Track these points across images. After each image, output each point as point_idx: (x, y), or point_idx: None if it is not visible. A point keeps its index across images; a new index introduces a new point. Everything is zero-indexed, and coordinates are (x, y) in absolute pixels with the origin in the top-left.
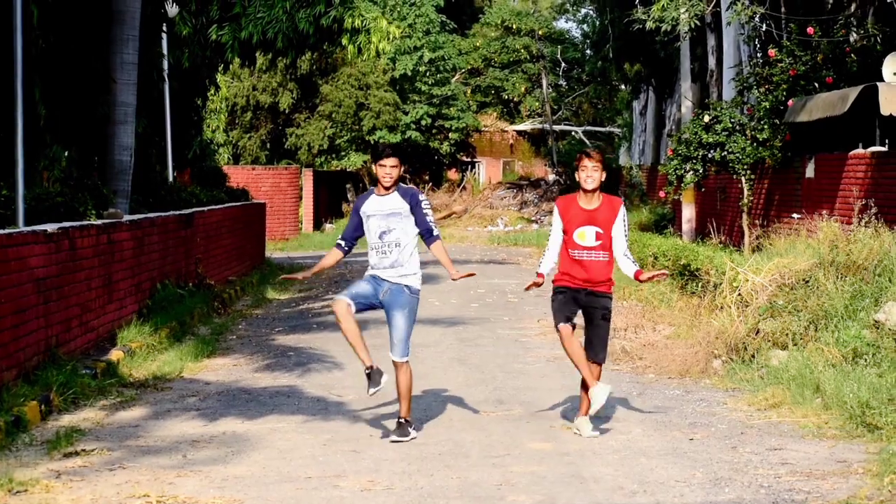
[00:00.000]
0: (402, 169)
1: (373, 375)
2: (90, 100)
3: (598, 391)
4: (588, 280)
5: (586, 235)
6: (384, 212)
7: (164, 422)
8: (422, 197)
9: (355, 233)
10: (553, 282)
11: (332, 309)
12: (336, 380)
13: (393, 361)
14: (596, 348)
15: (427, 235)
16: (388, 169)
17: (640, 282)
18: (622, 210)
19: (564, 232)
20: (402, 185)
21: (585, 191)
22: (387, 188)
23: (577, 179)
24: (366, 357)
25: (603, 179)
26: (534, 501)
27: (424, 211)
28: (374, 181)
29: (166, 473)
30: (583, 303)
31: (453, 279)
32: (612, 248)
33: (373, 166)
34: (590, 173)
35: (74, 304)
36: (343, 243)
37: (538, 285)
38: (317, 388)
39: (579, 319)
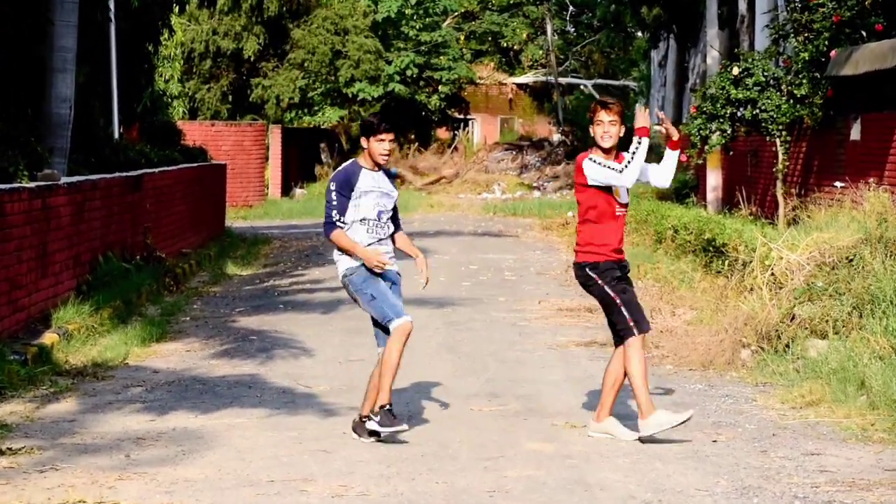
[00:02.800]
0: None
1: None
2: (23, 44)
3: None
4: (619, 248)
5: (621, 192)
6: (382, 190)
7: (104, 416)
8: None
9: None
10: (591, 258)
11: (406, 331)
12: (304, 368)
13: (399, 327)
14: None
15: (395, 223)
16: (386, 144)
17: (678, 149)
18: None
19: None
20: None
21: (602, 149)
22: (381, 167)
23: (592, 134)
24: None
25: (622, 135)
26: None
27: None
28: (354, 141)
29: (106, 476)
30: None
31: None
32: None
33: (364, 139)
34: (607, 128)
35: (2, 279)
36: (340, 222)
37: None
38: (282, 377)
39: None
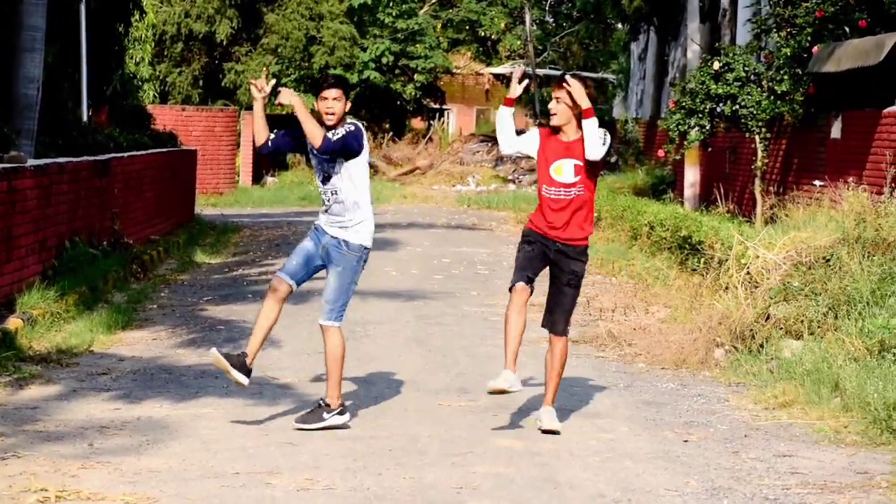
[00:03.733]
0: (347, 104)
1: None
2: None
3: (543, 414)
4: (562, 228)
5: (563, 170)
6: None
7: (68, 403)
8: (350, 126)
9: (282, 140)
10: (527, 226)
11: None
12: (272, 359)
13: (319, 325)
14: (555, 316)
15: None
16: (329, 102)
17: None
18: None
19: (539, 165)
20: (346, 123)
21: (552, 126)
22: (330, 127)
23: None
24: (253, 347)
25: (576, 113)
26: None
27: (341, 132)
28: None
29: (68, 464)
30: (552, 258)
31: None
32: (591, 186)
33: (314, 102)
34: (553, 107)
35: None
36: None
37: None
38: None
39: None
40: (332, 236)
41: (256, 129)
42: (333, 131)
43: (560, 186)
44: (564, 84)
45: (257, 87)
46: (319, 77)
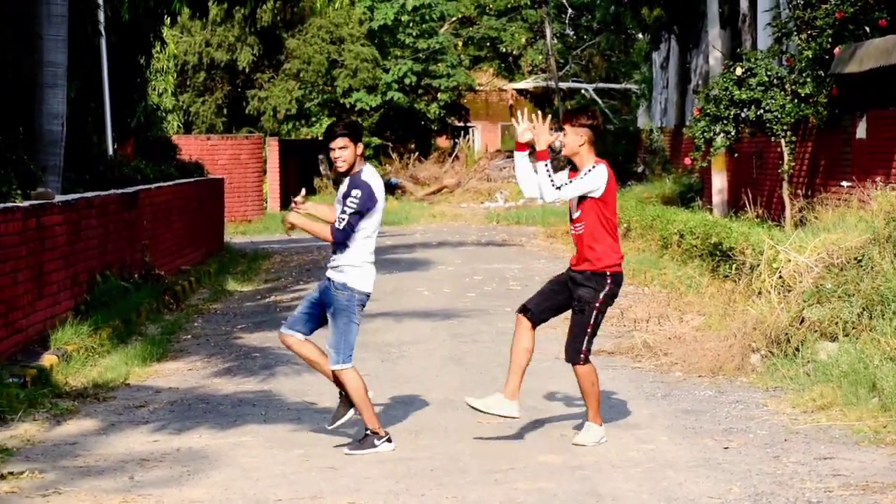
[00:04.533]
0: (359, 146)
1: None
2: (12, 59)
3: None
4: (576, 257)
5: (573, 204)
6: (338, 197)
7: (106, 437)
8: (357, 192)
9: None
10: (612, 269)
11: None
12: (309, 385)
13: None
14: (565, 344)
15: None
16: (336, 152)
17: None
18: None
19: (608, 195)
20: (363, 169)
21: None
22: (344, 175)
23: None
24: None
25: (581, 145)
26: None
27: (346, 208)
28: None
29: (110, 498)
30: (569, 287)
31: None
32: (594, 219)
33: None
34: (563, 139)
35: None
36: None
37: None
38: (287, 394)
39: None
40: (326, 277)
41: (322, 233)
42: (342, 203)
43: (574, 222)
44: (546, 121)
45: (297, 204)
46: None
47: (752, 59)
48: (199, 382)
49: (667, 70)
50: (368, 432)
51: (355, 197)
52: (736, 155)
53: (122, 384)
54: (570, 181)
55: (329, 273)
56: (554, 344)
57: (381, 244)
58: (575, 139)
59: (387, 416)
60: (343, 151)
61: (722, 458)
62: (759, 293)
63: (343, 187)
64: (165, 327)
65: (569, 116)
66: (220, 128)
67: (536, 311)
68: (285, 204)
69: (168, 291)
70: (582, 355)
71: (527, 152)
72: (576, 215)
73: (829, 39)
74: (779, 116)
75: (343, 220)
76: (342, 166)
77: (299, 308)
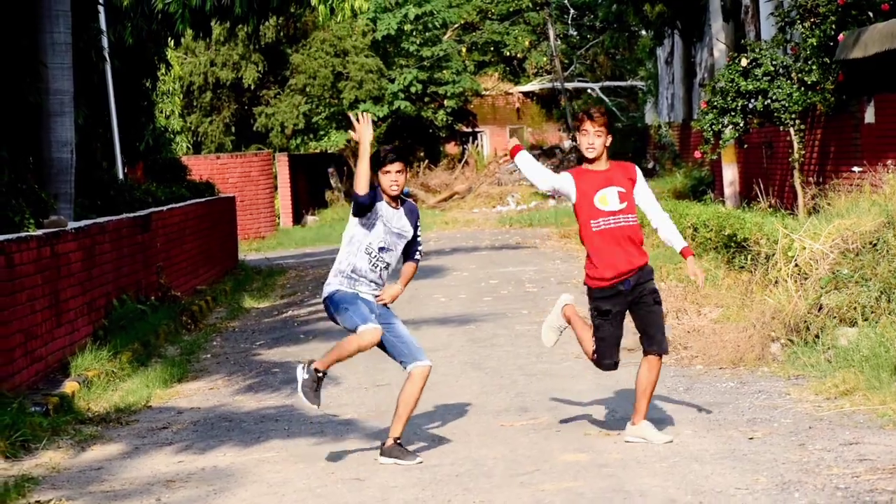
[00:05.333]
0: (408, 174)
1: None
2: (18, 89)
3: (653, 433)
4: (629, 260)
5: (608, 198)
6: (393, 227)
7: (131, 461)
8: (419, 220)
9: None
10: (588, 282)
11: (368, 339)
12: (331, 397)
13: (422, 370)
14: (657, 337)
15: (410, 259)
16: (393, 175)
17: (684, 258)
18: (638, 171)
19: (579, 202)
20: (405, 197)
21: (587, 160)
22: (394, 199)
23: (578, 144)
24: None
25: (608, 144)
26: None
27: (419, 237)
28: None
29: None
30: (629, 301)
31: (382, 300)
32: (635, 212)
33: (376, 175)
34: (591, 140)
35: (16, 331)
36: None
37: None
38: (309, 408)
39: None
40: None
41: (362, 173)
42: (418, 248)
43: (608, 215)
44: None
45: (357, 122)
46: (378, 151)
47: (757, 50)
48: (220, 401)
49: (672, 65)
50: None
51: (420, 225)
52: (745, 146)
53: (144, 407)
54: (645, 191)
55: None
56: (575, 345)
57: None
58: (606, 138)
59: (410, 423)
60: (400, 176)
61: (747, 448)
62: (776, 282)
63: (402, 219)
64: (185, 348)
65: (601, 114)
66: (229, 146)
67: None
68: (298, 218)
69: (185, 312)
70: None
71: (522, 150)
72: (621, 206)
73: (833, 26)
74: (786, 105)
75: (421, 251)
76: (396, 191)
77: (367, 311)
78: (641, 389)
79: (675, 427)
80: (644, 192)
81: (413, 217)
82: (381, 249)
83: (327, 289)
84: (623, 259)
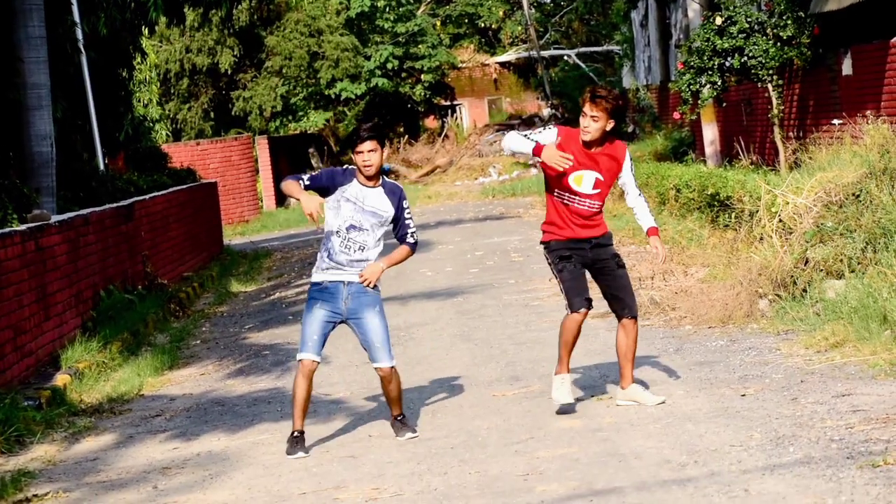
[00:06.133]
0: (384, 152)
1: (299, 441)
2: None
3: (644, 395)
4: (593, 228)
5: (584, 181)
6: (366, 206)
7: (126, 450)
8: (405, 201)
9: (319, 185)
10: (546, 238)
11: (300, 364)
12: (323, 376)
13: (380, 370)
14: (627, 300)
15: (401, 241)
16: (365, 155)
17: (648, 237)
18: (627, 153)
19: (555, 173)
20: (385, 178)
21: (582, 142)
22: (370, 178)
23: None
24: (300, 421)
25: (609, 129)
26: (568, 489)
27: (407, 219)
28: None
29: None
30: (590, 258)
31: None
32: (604, 199)
33: (351, 154)
34: (587, 122)
35: (5, 327)
36: (307, 182)
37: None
38: None
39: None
40: (355, 282)
41: (403, 258)
42: (407, 229)
43: (583, 197)
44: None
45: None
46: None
47: (731, 8)
48: (212, 386)
49: (647, 28)
50: (403, 415)
51: (406, 202)
52: (724, 104)
53: (136, 396)
54: (628, 175)
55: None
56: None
57: None
58: (606, 122)
59: (402, 398)
60: (372, 155)
61: (740, 405)
62: (761, 239)
63: (378, 198)
64: (174, 335)
65: (608, 96)
66: (208, 132)
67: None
68: (281, 200)
69: (173, 299)
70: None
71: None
72: (594, 192)
73: None
74: (763, 62)
75: (413, 231)
76: (371, 170)
77: (318, 331)
78: (622, 354)
79: (667, 388)
80: (627, 174)
81: (395, 197)
82: (351, 228)
83: (313, 271)
84: (582, 231)
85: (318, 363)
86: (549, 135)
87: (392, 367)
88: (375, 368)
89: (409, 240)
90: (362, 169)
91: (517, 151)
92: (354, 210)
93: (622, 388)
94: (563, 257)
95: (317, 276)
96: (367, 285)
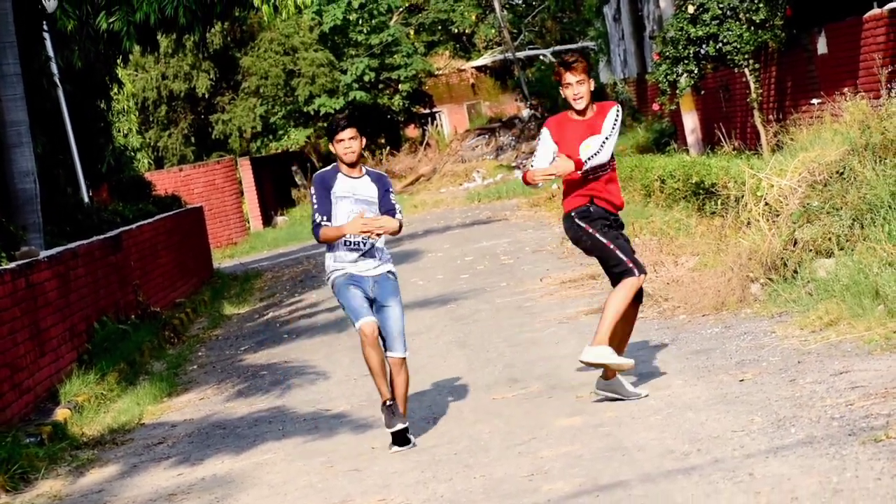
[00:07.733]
0: (363, 140)
1: (393, 409)
2: None
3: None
4: (611, 202)
5: (592, 146)
6: (358, 196)
7: (131, 479)
8: (390, 188)
9: (328, 203)
10: (568, 206)
11: (362, 332)
12: (322, 392)
13: (393, 360)
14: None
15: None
16: (347, 143)
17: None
18: (615, 108)
19: (563, 153)
20: (367, 167)
21: (577, 111)
22: (352, 165)
23: (564, 97)
24: (385, 389)
25: (592, 89)
26: (573, 486)
27: (393, 198)
28: (325, 158)
29: None
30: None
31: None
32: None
33: (329, 145)
34: (576, 90)
35: (1, 365)
36: (326, 220)
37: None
38: (302, 405)
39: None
40: (376, 274)
41: (393, 228)
42: (391, 202)
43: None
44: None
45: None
46: (330, 122)
47: None
48: (212, 410)
49: (620, 22)
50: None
51: (394, 192)
52: (703, 92)
53: (137, 425)
54: (608, 125)
55: (380, 269)
56: (556, 310)
57: None
58: (590, 84)
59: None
60: (353, 142)
61: (739, 391)
62: (749, 223)
63: (365, 185)
64: (170, 362)
65: (580, 61)
66: (190, 157)
67: None
68: (268, 220)
69: (167, 326)
70: None
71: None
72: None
73: None
74: (738, 47)
75: (400, 209)
76: (352, 157)
77: (364, 303)
78: (605, 309)
79: (665, 378)
80: (608, 123)
81: (381, 183)
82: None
83: (327, 273)
84: (603, 190)
85: (378, 326)
86: (544, 149)
87: (404, 359)
88: (387, 357)
89: (399, 215)
90: (343, 157)
91: (539, 184)
92: (353, 202)
93: (590, 344)
94: (609, 224)
95: (333, 265)
96: (376, 233)
